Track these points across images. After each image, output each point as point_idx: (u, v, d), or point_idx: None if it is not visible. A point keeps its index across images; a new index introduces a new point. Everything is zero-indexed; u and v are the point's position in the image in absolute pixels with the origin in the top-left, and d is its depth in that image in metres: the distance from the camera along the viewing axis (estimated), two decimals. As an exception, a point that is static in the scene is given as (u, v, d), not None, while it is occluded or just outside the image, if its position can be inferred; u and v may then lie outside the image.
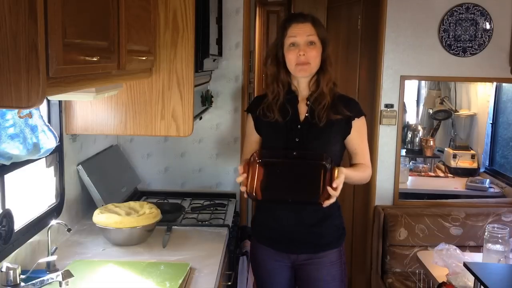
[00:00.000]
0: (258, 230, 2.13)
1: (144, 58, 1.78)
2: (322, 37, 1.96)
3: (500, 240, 2.30)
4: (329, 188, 1.79)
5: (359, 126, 2.02)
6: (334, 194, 1.80)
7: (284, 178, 1.90)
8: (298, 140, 1.97)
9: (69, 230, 1.74)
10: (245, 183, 1.84)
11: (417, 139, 4.18)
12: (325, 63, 1.98)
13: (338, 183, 1.79)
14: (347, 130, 2.00)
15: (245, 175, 1.84)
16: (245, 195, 1.88)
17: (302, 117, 2.01)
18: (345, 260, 2.11)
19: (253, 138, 2.11)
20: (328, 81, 1.98)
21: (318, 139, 1.96)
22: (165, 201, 2.69)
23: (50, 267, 1.68)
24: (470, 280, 2.13)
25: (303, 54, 1.92)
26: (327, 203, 1.81)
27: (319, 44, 1.95)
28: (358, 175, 2.01)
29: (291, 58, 1.95)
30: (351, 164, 2.06)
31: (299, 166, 1.90)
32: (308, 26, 1.94)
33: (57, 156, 2.05)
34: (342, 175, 1.80)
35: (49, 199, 2.02)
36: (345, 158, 2.10)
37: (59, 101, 2.02)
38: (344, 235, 2.10)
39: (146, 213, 2.07)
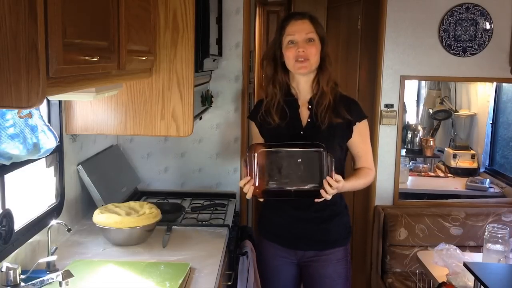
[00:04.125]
0: (265, 227, 2.15)
1: (144, 58, 1.78)
2: (321, 34, 1.95)
3: (500, 240, 2.30)
4: (328, 178, 1.80)
5: (361, 129, 2.01)
6: (331, 188, 1.79)
7: (284, 168, 1.87)
8: None
9: (69, 230, 1.74)
10: (247, 180, 1.84)
11: (417, 139, 4.18)
12: (324, 61, 1.97)
13: (338, 178, 1.81)
14: (349, 134, 1.99)
15: (248, 178, 1.84)
16: (248, 196, 1.87)
17: (304, 122, 2.00)
18: (351, 259, 2.13)
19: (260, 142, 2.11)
20: (328, 80, 1.96)
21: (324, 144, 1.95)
22: (165, 201, 2.68)
23: (50, 267, 1.68)
24: (470, 280, 2.13)
25: (302, 50, 1.90)
26: (323, 194, 1.80)
27: (318, 41, 1.94)
28: (359, 183, 2.02)
29: (289, 55, 1.93)
30: (354, 169, 2.05)
31: (297, 154, 1.87)
32: (306, 23, 1.93)
33: (57, 156, 2.05)
34: (341, 182, 1.83)
35: (49, 199, 2.02)
36: (349, 161, 2.10)
37: (59, 101, 2.02)
38: (351, 234, 2.12)
39: (146, 213, 2.07)
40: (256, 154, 1.87)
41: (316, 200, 1.84)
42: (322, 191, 1.81)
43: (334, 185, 1.80)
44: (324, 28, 2.04)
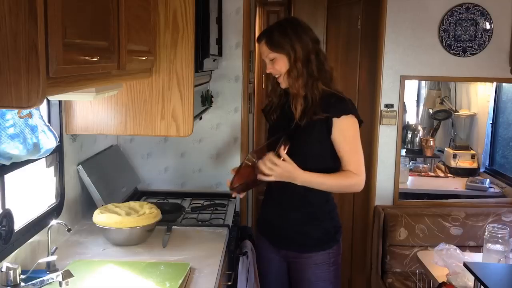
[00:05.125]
0: (259, 222, 2.24)
1: (144, 58, 1.78)
2: (284, 50, 1.94)
3: (500, 240, 2.30)
4: (269, 153, 1.83)
5: (341, 126, 1.94)
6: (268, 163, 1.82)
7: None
8: None
9: (69, 230, 1.74)
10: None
11: (417, 139, 4.18)
12: (291, 68, 1.96)
13: (283, 158, 1.84)
14: (329, 129, 1.95)
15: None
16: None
17: (297, 116, 2.03)
18: (338, 261, 2.09)
19: None
20: (293, 84, 1.97)
21: (301, 138, 1.97)
22: (165, 201, 2.68)
23: (50, 267, 1.68)
24: (470, 280, 2.13)
25: (269, 71, 2.03)
26: (260, 166, 1.84)
27: (282, 56, 1.96)
28: (329, 182, 1.95)
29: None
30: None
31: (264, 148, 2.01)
32: (263, 46, 2.00)
33: (57, 156, 2.05)
34: (283, 164, 1.84)
35: (49, 199, 2.02)
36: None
37: (59, 101, 2.02)
38: (336, 240, 2.07)
39: (146, 213, 2.07)
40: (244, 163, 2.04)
41: (259, 177, 1.86)
42: (260, 162, 1.84)
43: (271, 159, 1.82)
44: (287, 38, 1.97)
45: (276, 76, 2.02)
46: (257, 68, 5.09)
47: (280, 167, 1.84)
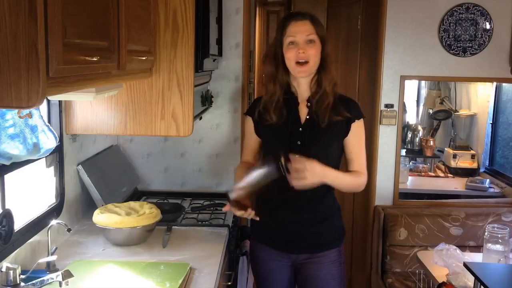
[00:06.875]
0: (258, 230, 2.12)
1: (144, 58, 1.78)
2: (321, 35, 1.92)
3: (500, 240, 2.30)
4: (292, 169, 1.72)
5: (357, 128, 1.98)
6: (297, 176, 1.74)
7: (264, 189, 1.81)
8: (300, 143, 1.95)
9: (69, 230, 1.74)
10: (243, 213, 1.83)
11: (417, 139, 4.18)
12: (325, 61, 1.93)
13: (298, 164, 1.75)
14: (346, 132, 1.96)
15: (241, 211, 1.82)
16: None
17: (302, 119, 1.97)
18: (345, 259, 2.11)
19: (253, 140, 2.10)
20: (331, 80, 1.93)
21: (319, 141, 1.94)
22: (165, 201, 2.68)
23: (50, 267, 1.68)
24: (470, 280, 2.13)
25: (302, 52, 1.87)
26: (296, 184, 1.75)
27: (319, 42, 1.91)
28: (345, 179, 1.96)
29: (290, 57, 1.90)
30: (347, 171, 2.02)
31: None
32: (307, 24, 1.90)
33: (57, 156, 2.05)
34: (301, 161, 1.76)
35: (49, 199, 2.02)
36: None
37: (59, 101, 2.02)
38: (344, 235, 2.10)
39: (146, 213, 2.07)
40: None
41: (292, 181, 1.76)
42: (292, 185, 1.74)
43: (297, 176, 1.74)
44: (324, 28, 2.00)
45: (302, 61, 1.88)
46: (257, 68, 5.09)
47: (312, 167, 1.77)
